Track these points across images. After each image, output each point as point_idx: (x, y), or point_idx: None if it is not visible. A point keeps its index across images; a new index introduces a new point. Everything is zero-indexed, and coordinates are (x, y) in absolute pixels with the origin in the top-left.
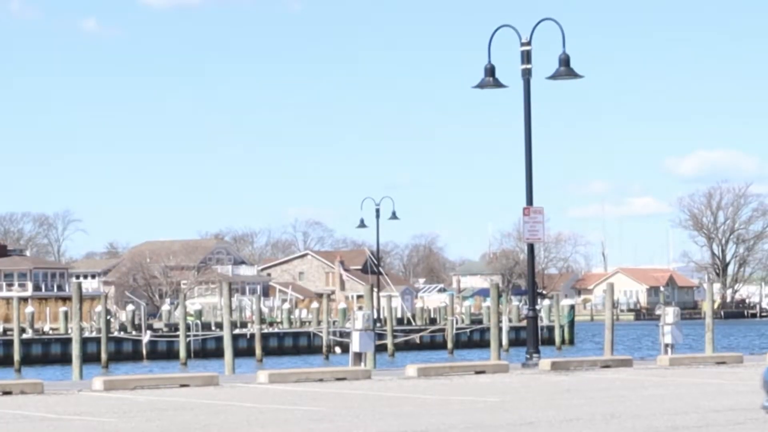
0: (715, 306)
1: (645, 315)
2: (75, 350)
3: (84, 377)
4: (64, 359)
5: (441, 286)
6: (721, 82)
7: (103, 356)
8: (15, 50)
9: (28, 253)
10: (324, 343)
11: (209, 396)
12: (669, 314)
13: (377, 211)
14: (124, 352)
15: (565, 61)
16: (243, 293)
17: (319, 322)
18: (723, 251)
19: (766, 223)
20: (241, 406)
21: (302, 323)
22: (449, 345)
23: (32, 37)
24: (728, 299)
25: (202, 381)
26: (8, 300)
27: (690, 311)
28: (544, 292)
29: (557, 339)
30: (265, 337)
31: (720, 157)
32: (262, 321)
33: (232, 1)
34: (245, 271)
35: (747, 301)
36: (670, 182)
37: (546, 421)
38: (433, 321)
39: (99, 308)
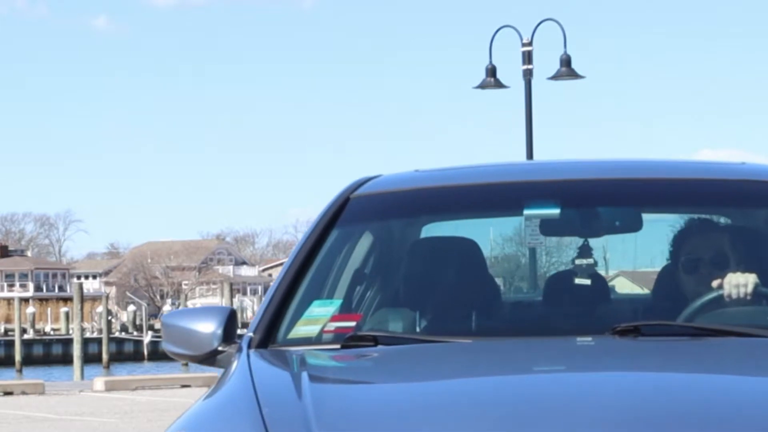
0: None
1: None
2: (76, 351)
3: (85, 378)
4: (66, 360)
5: None
6: (725, 82)
7: (105, 357)
8: (16, 49)
9: (29, 253)
10: None
11: None
12: None
13: None
14: (125, 352)
15: (566, 61)
16: (244, 294)
17: None
18: None
19: None
20: None
21: None
22: None
23: (35, 36)
24: None
25: (204, 381)
26: (9, 300)
27: None
28: None
29: None
30: None
31: (725, 157)
32: None
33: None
34: (246, 271)
35: None
36: None
37: None
38: None
39: (100, 309)
